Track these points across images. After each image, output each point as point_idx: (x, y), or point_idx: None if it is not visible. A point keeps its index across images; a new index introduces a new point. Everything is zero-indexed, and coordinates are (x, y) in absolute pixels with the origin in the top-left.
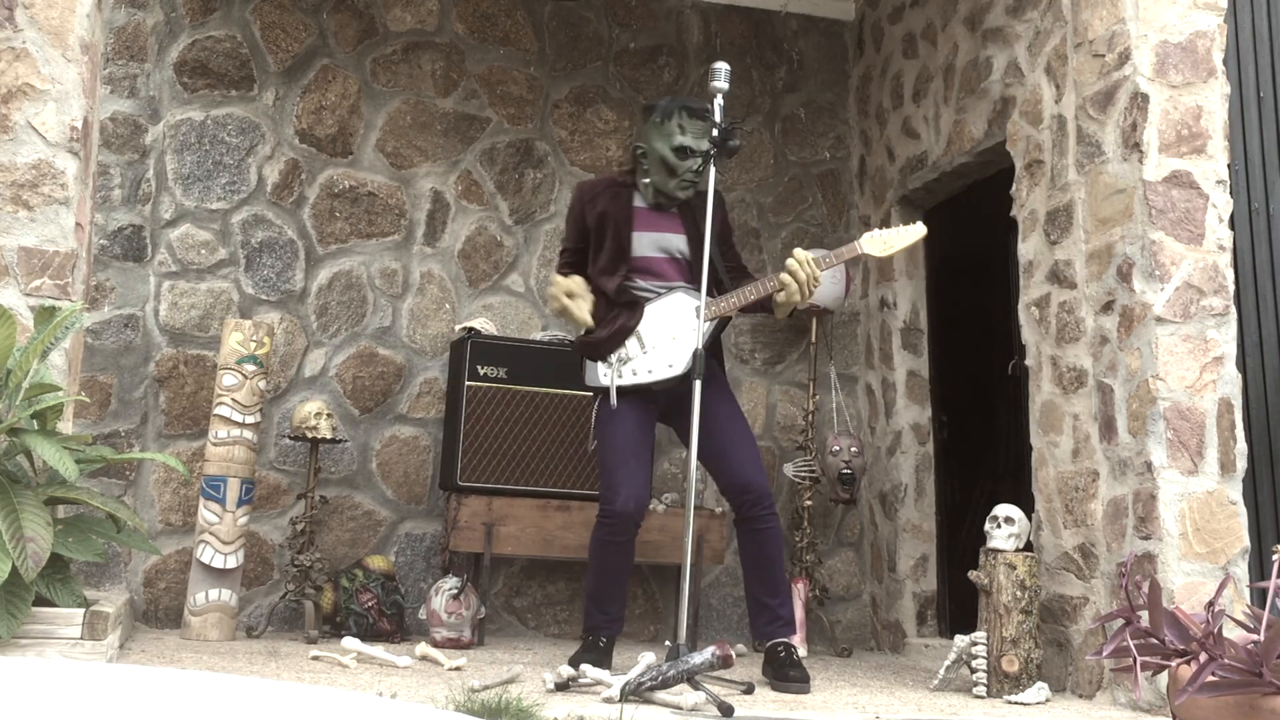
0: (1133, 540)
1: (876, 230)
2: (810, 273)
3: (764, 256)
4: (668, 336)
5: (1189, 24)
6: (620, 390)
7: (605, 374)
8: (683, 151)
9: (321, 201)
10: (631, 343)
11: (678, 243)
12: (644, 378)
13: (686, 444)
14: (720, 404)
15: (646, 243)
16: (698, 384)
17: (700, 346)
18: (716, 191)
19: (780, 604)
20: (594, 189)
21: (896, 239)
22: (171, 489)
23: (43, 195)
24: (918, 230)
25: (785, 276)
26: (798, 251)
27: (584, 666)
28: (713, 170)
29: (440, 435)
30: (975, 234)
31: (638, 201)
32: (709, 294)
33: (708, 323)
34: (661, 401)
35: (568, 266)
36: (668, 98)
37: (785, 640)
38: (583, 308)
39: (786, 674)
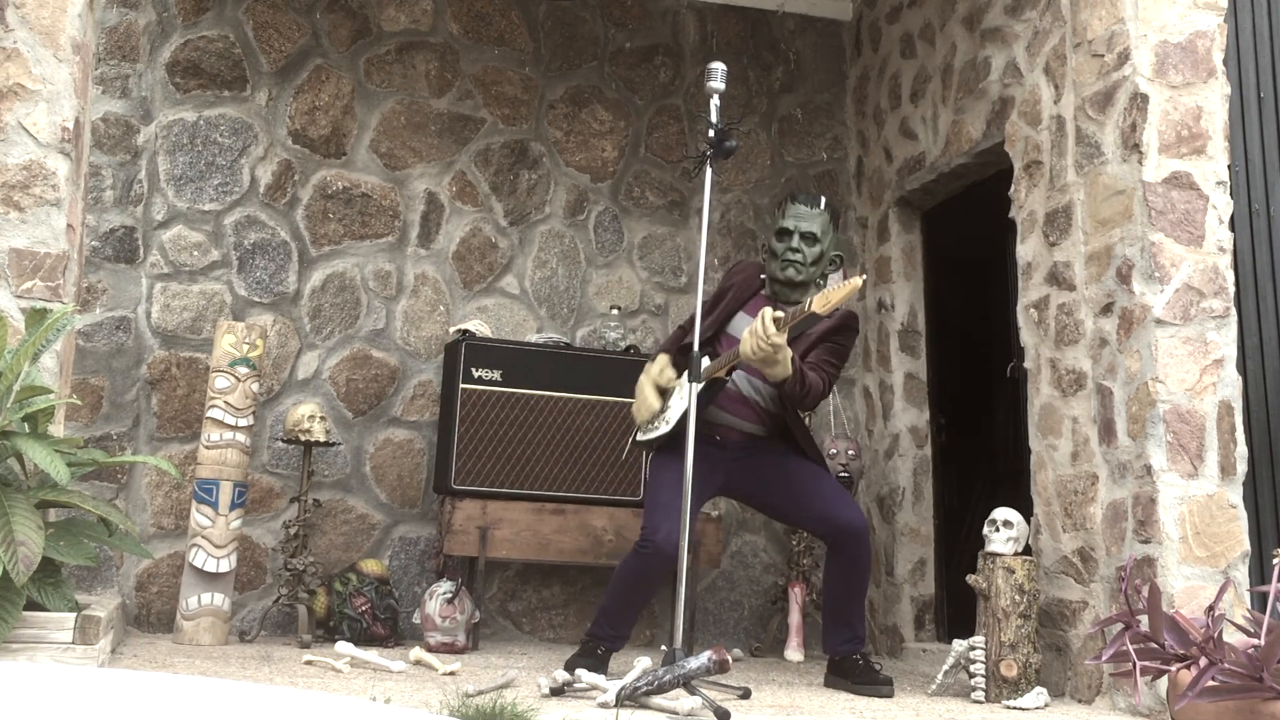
0: (1132, 544)
1: (824, 292)
2: (756, 340)
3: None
4: (678, 406)
5: (1189, 24)
6: (667, 445)
7: (645, 430)
8: (781, 234)
9: (315, 203)
10: (669, 404)
11: None
12: (657, 432)
13: (767, 509)
14: (798, 467)
15: (744, 323)
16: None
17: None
18: (852, 315)
19: (860, 621)
20: (742, 271)
21: (835, 294)
22: (164, 492)
23: (34, 196)
24: (855, 282)
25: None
26: (764, 312)
27: (579, 671)
28: (708, 171)
29: (434, 438)
30: (973, 235)
31: (764, 290)
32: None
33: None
34: (721, 471)
35: (681, 337)
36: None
37: (862, 653)
38: (643, 407)
39: (872, 677)
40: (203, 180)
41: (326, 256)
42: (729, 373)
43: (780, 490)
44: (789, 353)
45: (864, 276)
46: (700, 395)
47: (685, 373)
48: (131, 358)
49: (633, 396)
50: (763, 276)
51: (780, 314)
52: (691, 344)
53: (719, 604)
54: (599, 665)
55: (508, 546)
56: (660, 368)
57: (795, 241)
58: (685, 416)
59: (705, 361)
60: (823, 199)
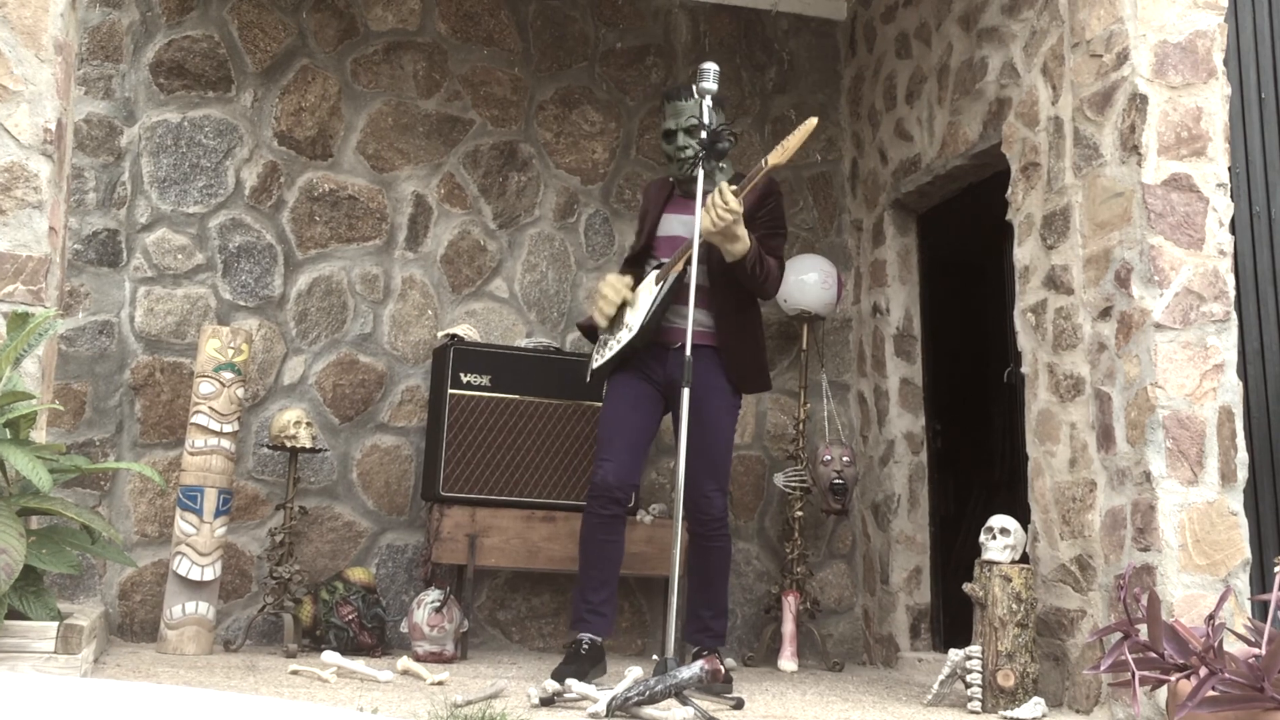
0: (1131, 552)
1: (780, 144)
2: (716, 212)
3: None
4: (644, 307)
5: (1188, 23)
6: (611, 369)
7: (595, 358)
8: (667, 136)
9: (301, 205)
10: (619, 321)
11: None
12: (613, 350)
13: (675, 432)
14: (706, 410)
15: (674, 223)
16: (685, 391)
17: (689, 355)
18: (771, 181)
19: (714, 618)
20: (652, 186)
21: (792, 140)
22: (147, 499)
23: (15, 199)
24: (809, 123)
25: (705, 218)
26: (720, 186)
27: (569, 681)
28: (701, 173)
29: (422, 444)
30: (970, 238)
31: (677, 191)
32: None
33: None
34: (661, 384)
35: (631, 263)
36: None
37: (715, 651)
38: (603, 306)
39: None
40: (187, 182)
41: (313, 260)
42: (683, 270)
43: (690, 429)
44: (743, 227)
45: (814, 118)
46: (668, 301)
47: (649, 278)
48: (114, 363)
49: None
50: (672, 180)
51: (727, 187)
52: (638, 258)
53: None
54: (585, 667)
55: (497, 554)
56: (619, 277)
57: (681, 139)
58: (649, 318)
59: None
60: (694, 86)
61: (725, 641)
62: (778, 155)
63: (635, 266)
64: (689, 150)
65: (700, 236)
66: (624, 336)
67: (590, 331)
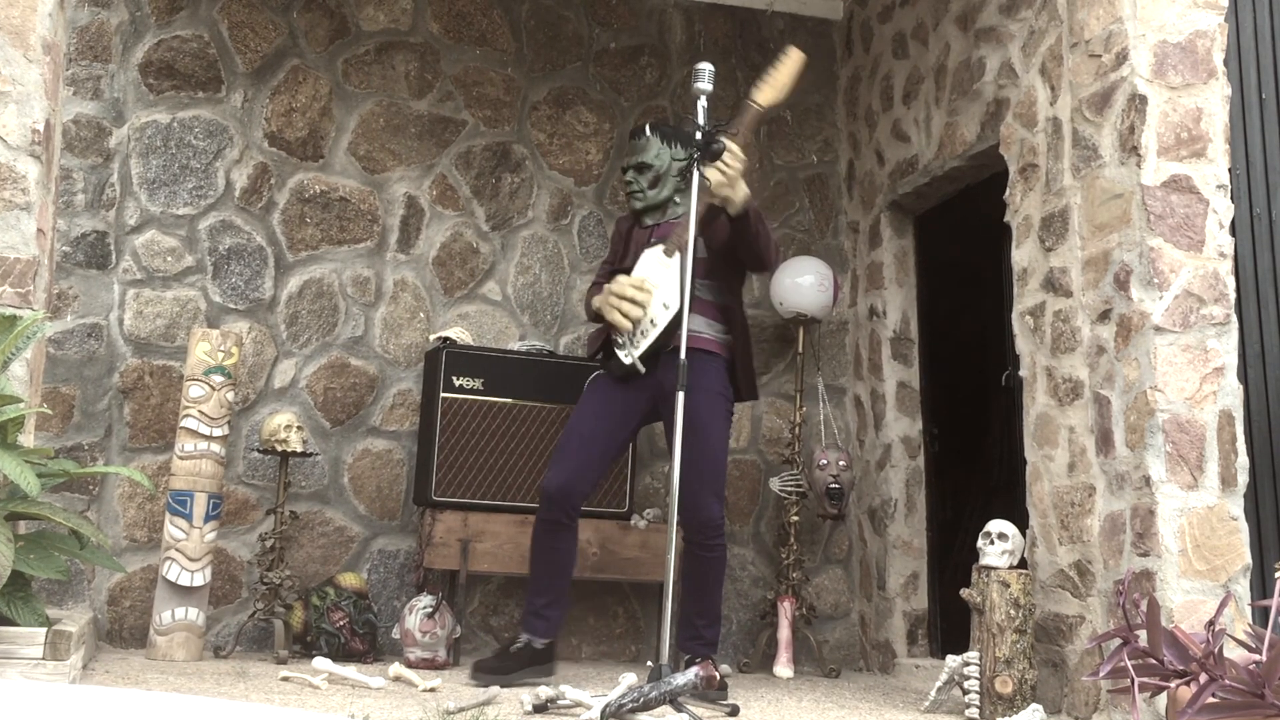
0: (1130, 557)
1: (765, 81)
2: (729, 163)
3: None
4: (669, 281)
5: (1188, 23)
6: (603, 381)
7: (625, 355)
8: (623, 172)
9: (291, 207)
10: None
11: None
12: (657, 331)
13: (669, 448)
14: (704, 417)
15: (645, 259)
16: (680, 395)
17: (683, 358)
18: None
19: (706, 626)
20: (620, 223)
21: (779, 74)
22: (136, 504)
23: (3, 200)
24: (794, 55)
25: (711, 172)
26: (727, 144)
27: (563, 687)
28: (696, 175)
29: (414, 448)
30: (967, 240)
31: (638, 225)
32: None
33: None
34: (650, 390)
35: (603, 281)
36: None
37: (709, 658)
38: (630, 310)
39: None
40: (176, 184)
41: (304, 262)
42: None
43: (681, 434)
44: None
45: (798, 51)
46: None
47: (656, 250)
48: (103, 366)
49: None
50: (631, 217)
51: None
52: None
53: None
54: (513, 664)
55: (490, 559)
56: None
57: (629, 175)
58: (683, 292)
59: (658, 249)
60: (647, 125)
61: (718, 650)
62: (768, 94)
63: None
64: (634, 186)
65: (696, 229)
66: (662, 316)
67: (599, 338)
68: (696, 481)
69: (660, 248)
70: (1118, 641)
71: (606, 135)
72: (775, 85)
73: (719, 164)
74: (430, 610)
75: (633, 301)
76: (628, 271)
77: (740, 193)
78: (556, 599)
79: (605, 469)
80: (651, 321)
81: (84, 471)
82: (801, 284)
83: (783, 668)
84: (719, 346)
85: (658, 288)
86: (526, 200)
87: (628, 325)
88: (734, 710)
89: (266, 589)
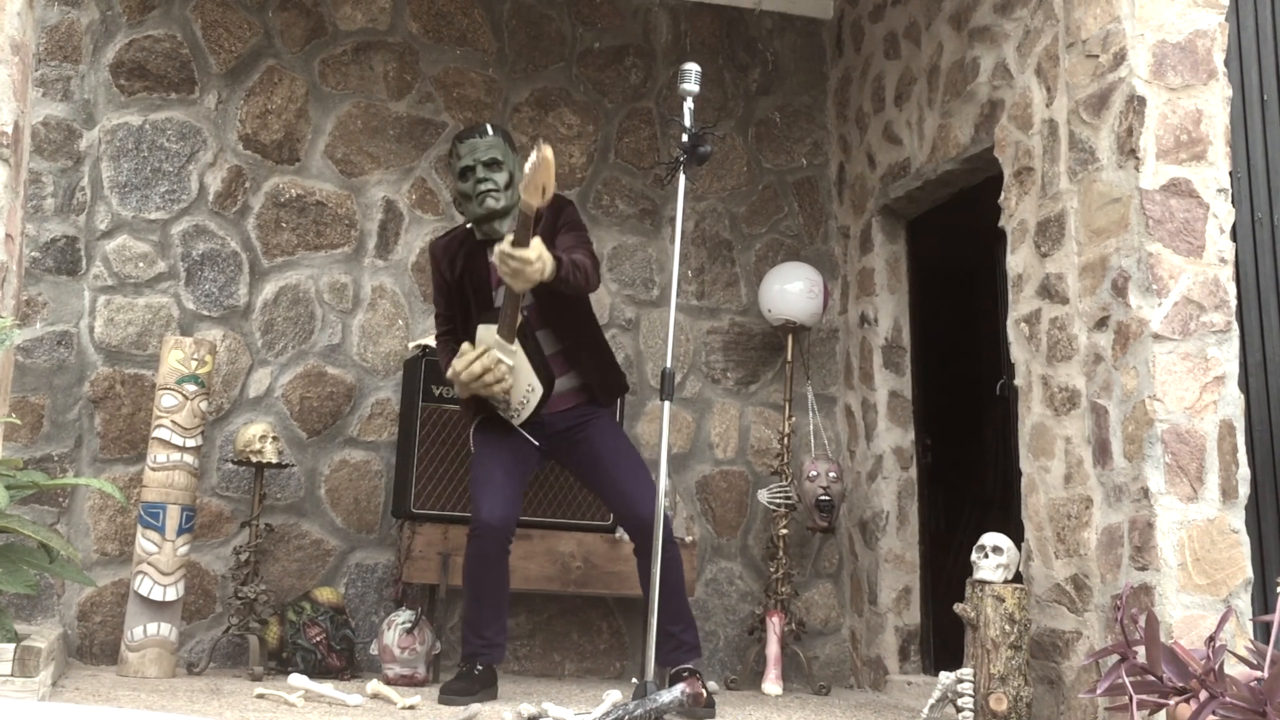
0: (1129, 571)
1: (523, 183)
2: (510, 265)
3: (736, 269)
4: (523, 366)
5: (1188, 22)
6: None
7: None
8: (464, 173)
9: (267, 211)
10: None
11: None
12: (530, 409)
13: (581, 480)
14: (606, 437)
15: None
16: (667, 405)
17: (669, 366)
18: (558, 196)
19: (684, 630)
20: (449, 249)
21: (538, 176)
22: (107, 516)
23: None
24: (545, 154)
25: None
26: (498, 249)
27: (545, 705)
28: (682, 178)
29: (393, 459)
30: (961, 246)
31: (493, 256)
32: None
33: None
34: (534, 441)
35: (449, 335)
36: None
37: (690, 667)
38: (502, 387)
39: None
40: (149, 188)
41: (279, 268)
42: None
43: (588, 468)
44: (541, 250)
45: (548, 147)
46: (535, 352)
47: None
48: (73, 375)
49: None
50: (468, 243)
51: (507, 242)
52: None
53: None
54: (472, 686)
55: None
56: (474, 349)
57: (481, 172)
58: (543, 377)
59: (492, 330)
60: (488, 125)
61: (702, 652)
62: (535, 197)
63: (458, 332)
64: (489, 185)
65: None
66: (532, 398)
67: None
68: (629, 490)
69: (495, 330)
70: (1115, 658)
71: (590, 138)
72: (534, 187)
73: (509, 263)
74: (409, 626)
75: (486, 371)
76: (469, 309)
77: (534, 279)
78: (503, 624)
79: (523, 498)
80: (522, 402)
81: (54, 483)
82: (790, 290)
83: (771, 685)
84: (579, 394)
85: (513, 370)
86: None
87: (502, 396)
88: None
89: (241, 604)
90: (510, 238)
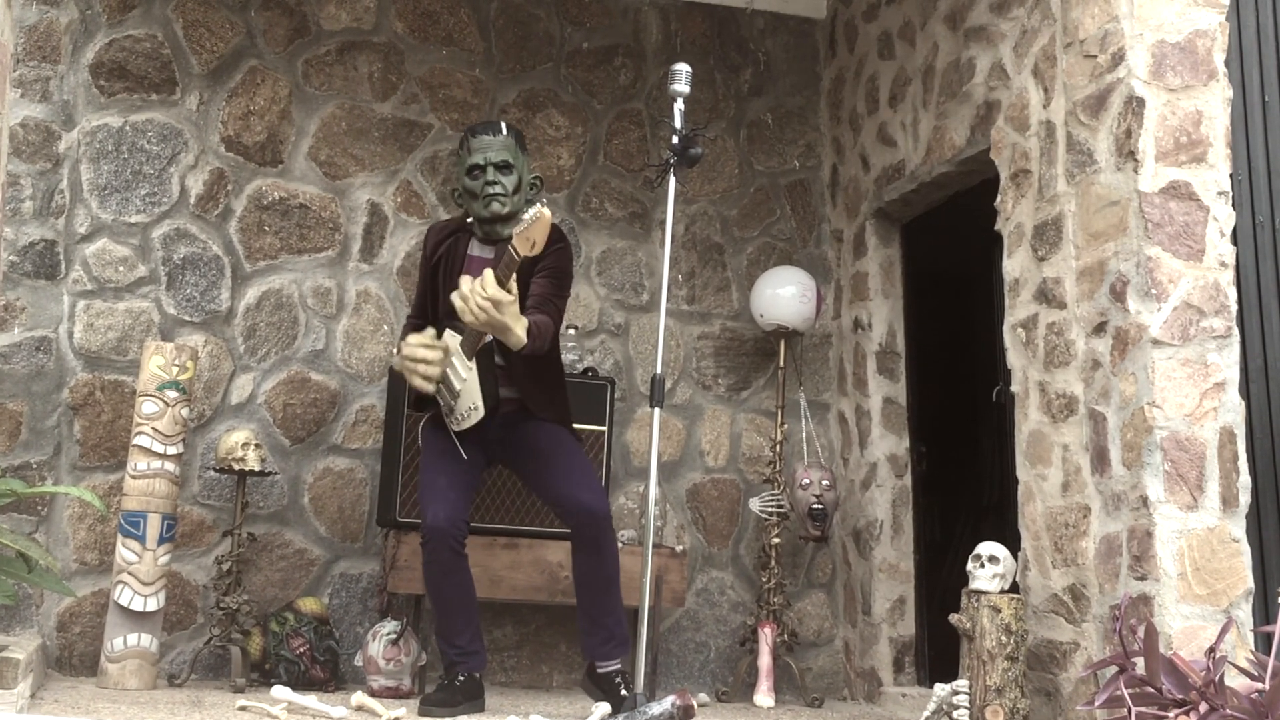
0: (1127, 581)
1: (521, 233)
2: (474, 301)
3: (728, 274)
4: (472, 381)
5: (1188, 22)
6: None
7: (451, 419)
8: (473, 171)
9: (249, 214)
10: (446, 380)
11: None
12: (471, 422)
13: (524, 480)
14: (543, 434)
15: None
16: (657, 411)
17: (659, 372)
18: (561, 234)
19: (617, 623)
20: (441, 233)
21: (535, 231)
22: (87, 525)
23: None
24: (544, 214)
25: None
26: (483, 277)
27: (533, 717)
28: (672, 181)
29: (378, 467)
30: (957, 250)
31: (474, 249)
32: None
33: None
34: (488, 443)
35: (418, 320)
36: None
37: (619, 667)
38: (427, 376)
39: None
40: (129, 190)
41: (262, 272)
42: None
43: (530, 465)
44: (516, 311)
45: (545, 203)
46: (488, 372)
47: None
48: (52, 381)
49: (594, 423)
50: (459, 232)
51: (487, 280)
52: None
53: (683, 645)
54: (460, 697)
55: None
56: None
57: (491, 174)
58: (487, 396)
59: (457, 340)
60: (503, 123)
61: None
62: (525, 247)
63: (425, 323)
64: (498, 188)
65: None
66: (473, 415)
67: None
68: (571, 484)
69: (460, 341)
70: (1114, 669)
71: (579, 139)
72: (525, 238)
73: (472, 300)
74: (394, 636)
75: (425, 361)
76: (439, 297)
77: (510, 336)
78: (475, 631)
79: (472, 505)
80: (463, 416)
81: (32, 491)
82: (782, 295)
83: (763, 697)
84: (519, 402)
85: (465, 384)
86: None
87: (429, 388)
88: None
89: (223, 614)
90: (491, 274)
